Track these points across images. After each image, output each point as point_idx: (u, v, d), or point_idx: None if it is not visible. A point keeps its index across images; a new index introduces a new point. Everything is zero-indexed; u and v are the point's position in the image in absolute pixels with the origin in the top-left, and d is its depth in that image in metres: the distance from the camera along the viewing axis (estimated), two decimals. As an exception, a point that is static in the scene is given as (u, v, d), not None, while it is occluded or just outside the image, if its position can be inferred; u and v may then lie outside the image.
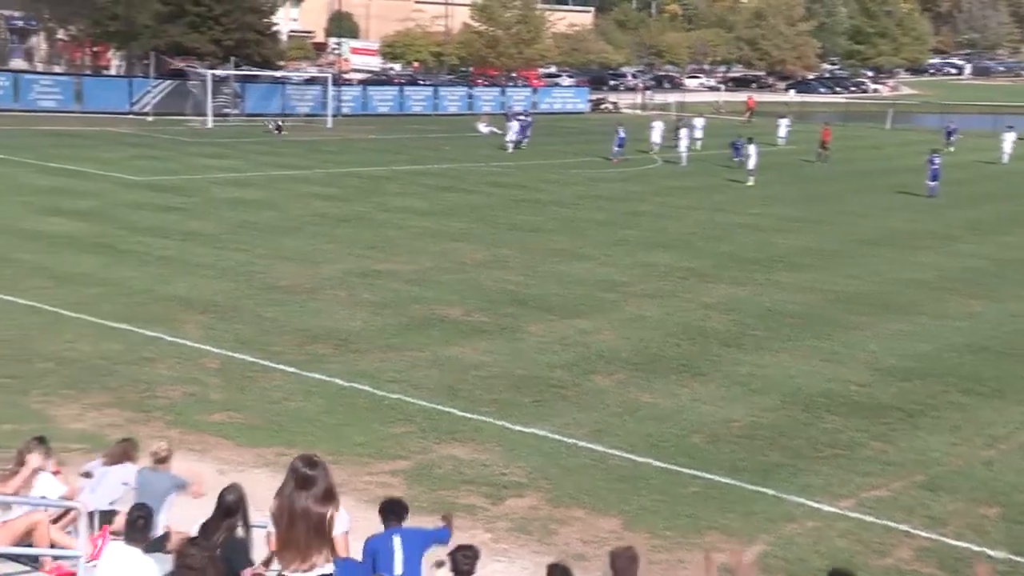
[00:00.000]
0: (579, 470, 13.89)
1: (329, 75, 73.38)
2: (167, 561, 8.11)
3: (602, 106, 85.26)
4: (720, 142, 54.17)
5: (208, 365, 17.36)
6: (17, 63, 77.83)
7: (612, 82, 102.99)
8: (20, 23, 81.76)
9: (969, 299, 24.36)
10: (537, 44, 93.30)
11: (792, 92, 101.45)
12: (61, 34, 78.88)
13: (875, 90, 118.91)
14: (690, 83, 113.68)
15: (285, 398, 16.07)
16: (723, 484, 13.54)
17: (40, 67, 78.99)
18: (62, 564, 9.76)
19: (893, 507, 13.12)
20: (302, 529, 7.81)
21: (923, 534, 12.46)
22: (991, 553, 11.96)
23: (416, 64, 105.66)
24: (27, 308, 20.10)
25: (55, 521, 10.28)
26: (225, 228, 28.97)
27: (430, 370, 17.55)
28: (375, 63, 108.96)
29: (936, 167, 41.37)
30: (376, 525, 8.79)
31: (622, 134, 49.28)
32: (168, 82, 63.88)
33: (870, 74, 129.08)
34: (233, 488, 8.72)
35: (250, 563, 8.53)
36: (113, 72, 76.55)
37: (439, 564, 8.21)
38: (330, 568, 7.94)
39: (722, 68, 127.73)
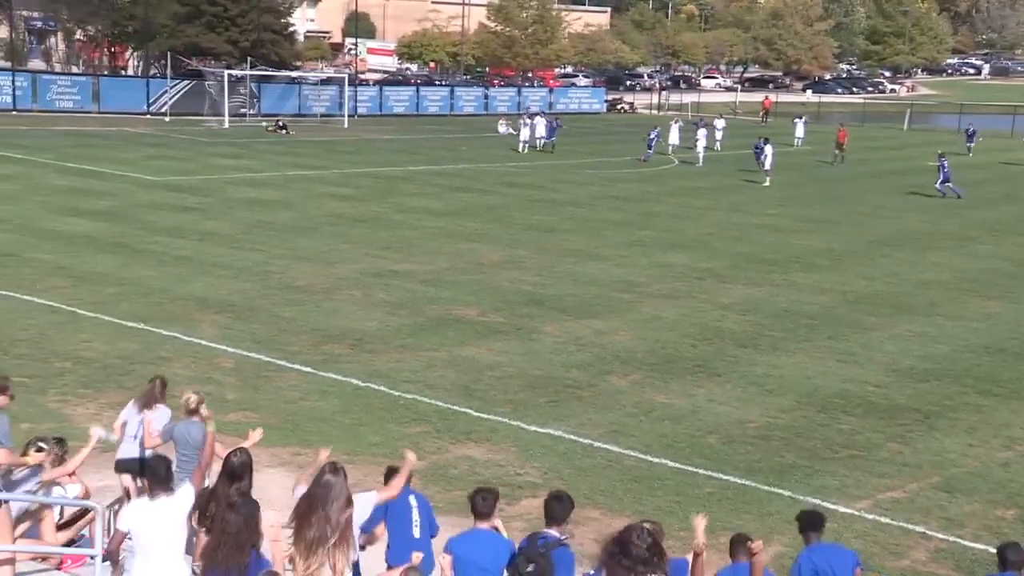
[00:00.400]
0: (594, 470, 13.88)
1: (345, 75, 73.65)
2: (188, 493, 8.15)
3: (618, 107, 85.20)
4: (736, 143, 54.05)
5: (224, 364, 17.40)
6: (35, 64, 78.30)
7: (628, 82, 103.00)
8: (39, 24, 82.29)
9: (986, 300, 24.26)
10: (553, 44, 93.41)
11: (809, 92, 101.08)
12: (79, 35, 79.39)
13: (892, 90, 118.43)
14: (706, 83, 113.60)
15: (301, 398, 16.10)
16: (738, 485, 13.52)
17: (58, 67, 79.57)
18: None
19: (909, 508, 13.08)
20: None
21: (939, 536, 12.41)
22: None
23: (432, 64, 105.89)
24: (45, 307, 20.20)
25: (67, 524, 10.36)
26: (241, 228, 29.06)
27: (446, 370, 17.57)
28: (391, 63, 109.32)
29: (947, 170, 41.19)
30: None
31: (653, 135, 50.19)
32: (185, 82, 64.08)
33: (887, 74, 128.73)
34: (240, 451, 8.56)
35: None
36: (130, 72, 76.91)
37: None
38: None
39: (738, 68, 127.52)
